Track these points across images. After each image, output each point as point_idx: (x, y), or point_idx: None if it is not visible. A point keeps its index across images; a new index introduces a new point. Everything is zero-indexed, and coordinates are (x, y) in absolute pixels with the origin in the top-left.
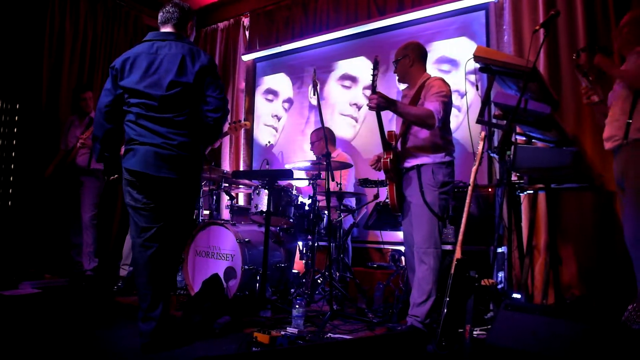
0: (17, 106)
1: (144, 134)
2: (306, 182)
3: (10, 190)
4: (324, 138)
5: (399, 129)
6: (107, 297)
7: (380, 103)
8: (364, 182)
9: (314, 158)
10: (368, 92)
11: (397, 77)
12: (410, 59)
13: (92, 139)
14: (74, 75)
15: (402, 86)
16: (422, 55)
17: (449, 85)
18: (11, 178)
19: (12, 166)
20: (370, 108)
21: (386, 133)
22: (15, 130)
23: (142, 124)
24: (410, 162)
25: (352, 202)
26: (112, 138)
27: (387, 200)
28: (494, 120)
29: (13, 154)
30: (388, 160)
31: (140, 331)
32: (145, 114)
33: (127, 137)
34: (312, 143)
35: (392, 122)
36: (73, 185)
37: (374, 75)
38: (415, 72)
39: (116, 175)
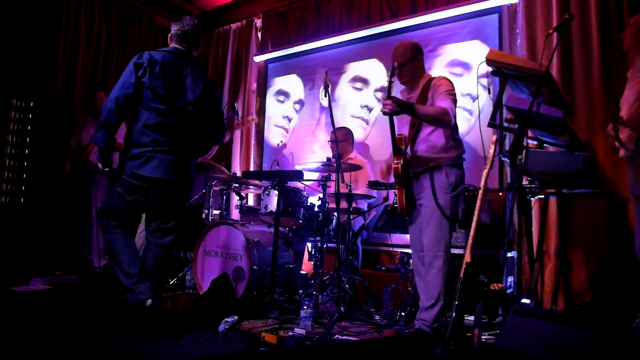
0: (31, 104)
1: (162, 141)
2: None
3: (23, 187)
4: (336, 140)
5: (408, 132)
6: (116, 295)
7: (394, 108)
8: (374, 185)
9: (325, 159)
10: (380, 95)
11: (403, 80)
12: (420, 59)
13: (103, 125)
14: (87, 73)
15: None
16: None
17: (453, 84)
18: (24, 175)
19: (25, 163)
20: (385, 113)
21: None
22: (28, 127)
23: (161, 130)
24: (422, 165)
25: (363, 204)
26: (117, 128)
27: (396, 205)
28: (505, 124)
29: (26, 151)
30: (399, 165)
31: (139, 290)
32: (164, 121)
33: (138, 140)
34: (331, 142)
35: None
36: (85, 183)
37: (390, 82)
38: (422, 72)
39: (107, 169)
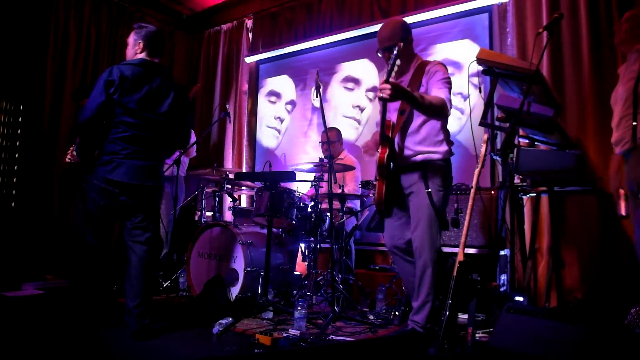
0: (21, 107)
1: (132, 149)
2: (308, 186)
3: (14, 192)
4: (327, 141)
5: (396, 120)
6: (108, 298)
7: (392, 94)
8: (366, 185)
9: (317, 160)
10: (372, 95)
11: (397, 66)
12: (410, 40)
13: (79, 144)
14: (77, 75)
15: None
16: None
17: (447, 69)
18: (14, 179)
19: (16, 167)
20: (382, 99)
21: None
22: (18, 131)
23: (132, 141)
24: (414, 158)
25: (356, 204)
26: (93, 142)
27: (371, 195)
28: (496, 123)
29: (16, 155)
30: (385, 155)
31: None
32: (135, 133)
33: (110, 149)
34: (322, 143)
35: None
36: (77, 187)
37: (394, 64)
38: (412, 54)
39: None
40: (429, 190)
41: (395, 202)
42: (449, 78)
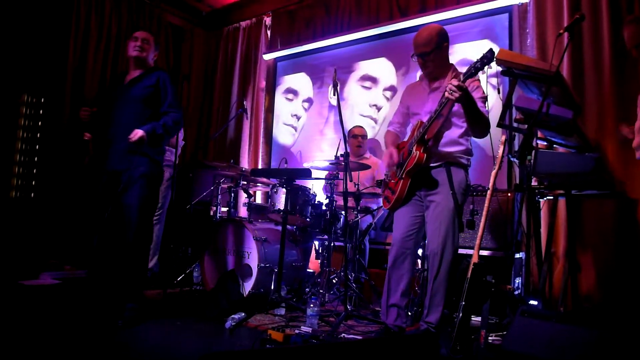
0: (42, 100)
1: None
2: (323, 183)
3: (33, 182)
4: (344, 139)
5: (433, 122)
6: (125, 289)
7: (460, 97)
8: (381, 184)
9: (333, 158)
10: (389, 94)
11: (426, 71)
12: (445, 47)
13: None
14: (97, 70)
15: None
16: None
17: None
18: (34, 170)
19: (36, 159)
20: (449, 99)
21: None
22: (39, 123)
23: None
24: (440, 161)
25: (372, 203)
26: None
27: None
28: (515, 124)
29: (37, 146)
30: (425, 155)
31: None
32: None
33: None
34: (355, 136)
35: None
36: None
37: (479, 69)
38: (447, 62)
39: None
40: (455, 193)
41: (409, 200)
42: (486, 97)
